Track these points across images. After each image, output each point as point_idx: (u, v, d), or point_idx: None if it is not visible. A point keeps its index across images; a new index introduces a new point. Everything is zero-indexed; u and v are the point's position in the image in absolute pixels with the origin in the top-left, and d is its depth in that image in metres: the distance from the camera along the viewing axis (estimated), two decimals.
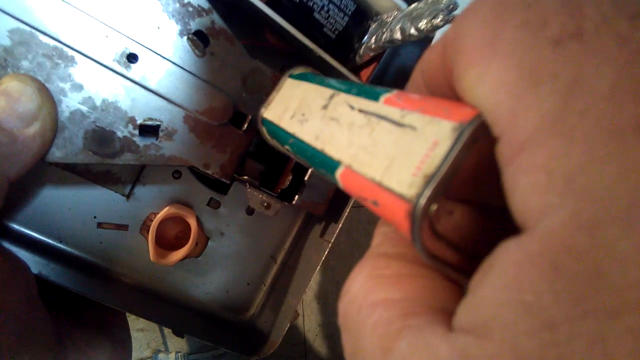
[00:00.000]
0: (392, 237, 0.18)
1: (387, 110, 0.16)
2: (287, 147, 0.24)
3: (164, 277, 0.37)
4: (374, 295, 0.15)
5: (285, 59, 0.38)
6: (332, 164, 0.18)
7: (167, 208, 0.35)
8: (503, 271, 0.11)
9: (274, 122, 0.26)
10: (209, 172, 0.32)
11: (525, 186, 0.11)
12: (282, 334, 0.35)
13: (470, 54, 0.13)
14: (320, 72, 0.28)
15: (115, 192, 0.34)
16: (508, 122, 0.11)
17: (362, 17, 0.33)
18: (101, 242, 0.35)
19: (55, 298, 0.31)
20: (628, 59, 0.10)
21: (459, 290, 0.15)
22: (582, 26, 0.11)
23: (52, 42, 0.27)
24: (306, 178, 0.34)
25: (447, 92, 0.16)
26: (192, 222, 0.36)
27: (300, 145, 0.22)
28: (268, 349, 0.35)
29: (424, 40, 0.32)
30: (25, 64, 0.27)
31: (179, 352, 0.51)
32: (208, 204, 0.37)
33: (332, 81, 0.23)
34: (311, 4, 0.32)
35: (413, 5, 0.30)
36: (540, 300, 0.10)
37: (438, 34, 0.32)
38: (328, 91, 0.22)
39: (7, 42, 0.27)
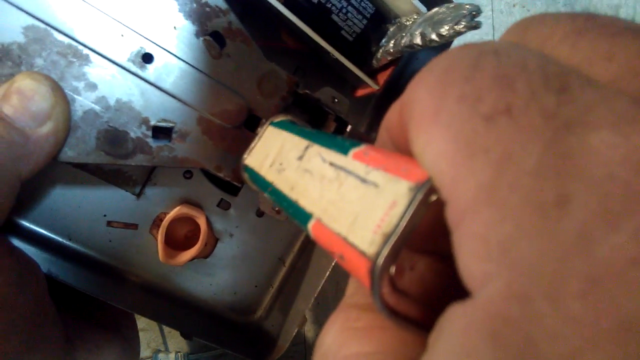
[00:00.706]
0: (364, 288, 0.18)
1: (354, 165, 0.17)
2: (266, 194, 0.24)
3: (173, 277, 0.37)
4: (345, 349, 0.15)
5: (301, 61, 0.37)
6: (304, 216, 0.19)
7: (177, 208, 0.35)
8: (451, 337, 0.11)
9: (255, 170, 0.26)
10: (221, 174, 0.32)
11: (467, 252, 0.11)
12: (290, 338, 0.35)
13: (418, 121, 0.13)
14: (300, 121, 0.29)
15: (126, 191, 0.34)
16: (450, 190, 0.12)
17: (380, 20, 0.33)
18: (110, 241, 0.34)
19: (65, 297, 0.31)
20: (553, 135, 0.11)
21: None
22: (511, 102, 0.11)
23: (66, 40, 0.27)
24: None
25: (409, 150, 0.16)
26: (202, 223, 0.36)
27: (278, 194, 0.22)
28: (276, 354, 0.35)
29: (444, 45, 0.31)
30: (39, 61, 0.27)
31: (179, 352, 0.51)
32: (218, 205, 0.37)
33: (309, 132, 0.23)
34: (329, 5, 0.32)
35: (434, 10, 0.30)
36: None
37: (456, 42, 0.31)
38: (304, 142, 0.22)
39: (21, 39, 0.26)
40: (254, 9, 0.35)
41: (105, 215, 0.34)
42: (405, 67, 0.38)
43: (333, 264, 0.34)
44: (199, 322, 0.37)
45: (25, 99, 0.25)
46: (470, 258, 0.11)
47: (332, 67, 0.35)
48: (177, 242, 0.37)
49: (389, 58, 0.32)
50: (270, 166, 0.25)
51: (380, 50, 0.32)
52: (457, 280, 0.17)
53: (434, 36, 0.27)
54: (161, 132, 0.30)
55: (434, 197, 0.13)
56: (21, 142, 0.25)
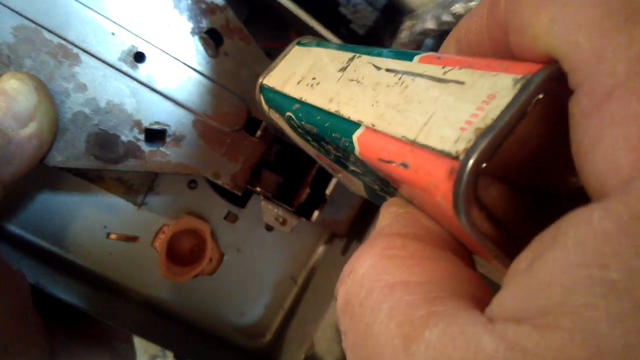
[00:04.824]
0: (405, 217, 0.15)
1: (425, 67, 0.15)
2: (288, 114, 0.22)
3: (174, 295, 0.34)
4: (389, 276, 0.13)
5: None
6: (348, 127, 0.17)
7: (180, 220, 0.33)
8: (578, 244, 0.09)
9: (276, 89, 0.24)
10: (219, 181, 0.29)
11: (612, 140, 0.09)
12: None
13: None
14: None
15: (127, 200, 0.32)
16: (592, 67, 0.10)
17: (394, 12, 0.30)
18: (110, 254, 0.33)
19: (53, 306, 0.29)
20: None
21: (482, 278, 0.13)
22: None
23: (56, 40, 0.26)
24: (328, 192, 0.31)
25: (502, 51, 0.14)
26: (207, 237, 0.34)
27: (308, 110, 0.20)
28: None
29: None
30: (28, 62, 0.26)
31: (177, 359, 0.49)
32: (225, 218, 0.35)
33: (352, 45, 0.21)
34: None
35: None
36: (633, 279, 0.08)
37: None
38: (347, 54, 0.20)
39: (11, 39, 0.25)
40: (262, 10, 0.33)
41: (105, 227, 0.33)
42: None
43: None
44: (201, 344, 0.34)
45: (8, 99, 0.24)
46: (617, 145, 0.09)
47: None
48: (180, 256, 0.34)
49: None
50: (298, 83, 0.22)
51: (394, 43, 0.30)
52: (530, 212, 0.14)
53: (446, 17, 0.24)
54: (154, 136, 0.28)
55: (553, 88, 0.11)
56: (1, 143, 0.24)
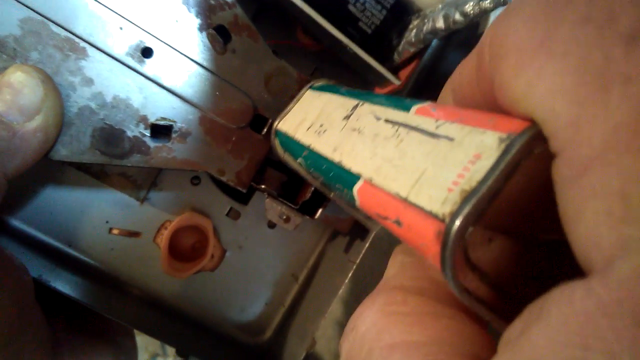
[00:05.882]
0: (411, 268, 0.15)
1: (419, 120, 0.15)
2: (300, 160, 0.22)
3: (176, 290, 0.34)
4: (389, 336, 0.12)
5: (318, 61, 0.35)
6: (350, 178, 0.16)
7: (183, 216, 0.33)
8: (562, 321, 0.09)
9: (289, 134, 0.24)
10: (224, 178, 0.29)
11: (593, 215, 0.09)
12: None
13: (517, 57, 0.11)
14: (344, 84, 0.26)
15: (130, 196, 0.32)
16: (570, 136, 0.09)
17: (402, 12, 0.30)
18: (112, 249, 0.33)
19: (55, 301, 0.29)
20: None
21: (488, 336, 0.13)
22: None
23: (63, 33, 0.26)
24: None
25: (492, 104, 0.14)
26: (209, 233, 0.34)
27: (315, 158, 0.20)
28: None
29: (468, 28, 0.28)
30: (34, 55, 0.25)
31: (177, 356, 0.49)
32: (227, 214, 0.35)
33: (358, 92, 0.21)
34: None
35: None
36: None
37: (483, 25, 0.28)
38: (352, 101, 0.20)
39: (17, 31, 0.25)
40: (269, 7, 0.33)
41: (107, 222, 0.32)
42: (432, 68, 0.35)
43: (346, 281, 0.31)
44: (202, 340, 0.34)
45: (14, 92, 0.24)
46: (598, 221, 0.09)
47: (350, 65, 0.32)
48: (181, 252, 0.34)
49: (412, 50, 0.29)
50: (307, 129, 0.23)
51: (402, 42, 0.30)
52: (535, 269, 0.14)
53: (457, 16, 0.24)
54: (160, 132, 0.28)
55: (537, 150, 0.11)
56: (7, 137, 0.24)
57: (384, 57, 0.31)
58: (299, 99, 0.27)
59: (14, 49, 0.25)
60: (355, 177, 0.16)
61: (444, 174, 0.12)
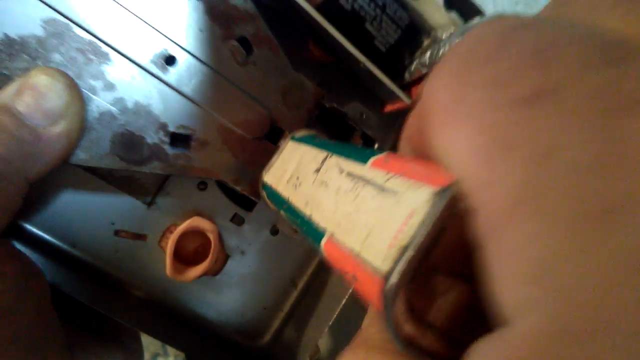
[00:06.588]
0: (379, 320, 0.15)
1: (373, 173, 0.15)
2: (282, 212, 0.22)
3: (178, 294, 0.35)
4: None
5: (326, 74, 0.36)
6: (317, 234, 0.17)
7: (189, 221, 0.33)
8: None
9: (272, 187, 0.25)
10: (239, 188, 0.30)
11: (501, 273, 0.09)
12: None
13: (438, 117, 0.12)
14: (323, 135, 0.27)
15: (137, 199, 0.32)
16: (482, 194, 0.10)
17: (415, 32, 0.31)
18: (117, 251, 0.33)
19: (66, 304, 0.29)
20: (607, 120, 0.08)
21: None
22: (555, 80, 0.09)
23: (87, 37, 0.26)
24: None
25: (431, 155, 0.14)
26: (214, 238, 0.34)
27: (292, 212, 0.21)
28: None
29: None
30: (57, 57, 0.25)
31: (178, 356, 0.49)
32: (232, 220, 0.35)
33: (328, 142, 0.22)
34: (363, 13, 0.30)
35: (474, 21, 0.28)
36: None
37: None
38: (322, 154, 0.21)
39: (40, 32, 0.25)
40: (284, 16, 0.33)
41: (113, 224, 0.32)
42: None
43: (350, 291, 0.32)
44: (202, 342, 0.35)
45: (38, 95, 0.24)
46: (505, 280, 0.09)
47: (360, 80, 0.33)
48: (186, 256, 0.35)
49: (424, 71, 0.30)
50: (287, 182, 0.23)
51: (415, 63, 0.31)
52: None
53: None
54: (179, 140, 0.28)
55: (461, 205, 0.11)
56: (31, 140, 0.23)
57: (396, 75, 0.32)
58: (281, 151, 0.27)
59: (36, 49, 0.25)
60: (321, 233, 0.16)
61: (387, 230, 0.12)
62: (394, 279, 0.11)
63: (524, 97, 0.09)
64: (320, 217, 0.17)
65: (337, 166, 0.18)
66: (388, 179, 0.14)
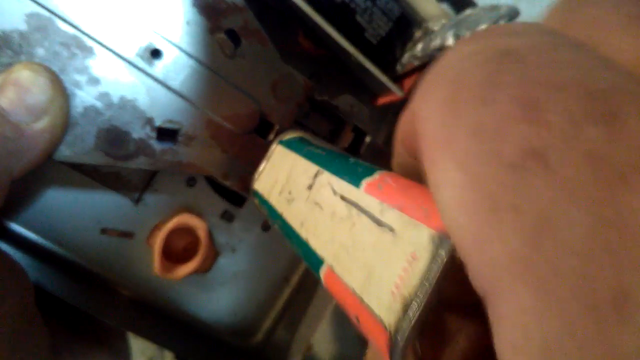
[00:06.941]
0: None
1: (368, 201, 0.15)
2: (276, 225, 0.22)
3: (167, 292, 0.34)
4: None
5: (317, 66, 0.35)
6: (316, 260, 0.16)
7: (177, 218, 0.33)
8: None
9: (264, 196, 0.24)
10: (227, 183, 0.29)
11: (502, 336, 0.09)
12: None
13: (430, 146, 0.11)
14: (311, 135, 0.26)
15: (124, 196, 0.32)
16: (473, 252, 0.09)
17: (406, 24, 0.31)
18: (104, 249, 0.32)
19: (51, 304, 0.29)
20: (604, 193, 0.08)
21: None
22: (544, 143, 0.08)
23: (71, 30, 0.25)
24: None
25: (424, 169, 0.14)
26: (203, 235, 0.34)
27: (287, 229, 0.20)
28: None
29: None
30: (40, 51, 0.24)
31: None
32: (221, 217, 0.35)
33: (318, 154, 0.21)
34: (353, 5, 0.30)
35: (467, 12, 0.28)
36: None
37: None
38: (313, 168, 0.20)
39: (23, 26, 0.24)
40: (270, 9, 0.33)
41: (99, 222, 0.32)
42: None
43: None
44: (193, 342, 0.34)
45: (21, 91, 0.23)
46: (505, 344, 0.08)
47: (351, 73, 0.33)
48: (174, 254, 0.34)
49: (416, 63, 0.30)
50: (279, 194, 0.23)
51: (406, 55, 0.30)
52: None
53: (469, 35, 0.25)
54: (166, 134, 0.28)
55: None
56: (14, 137, 0.23)
57: (387, 68, 0.32)
58: (270, 157, 0.27)
59: (20, 44, 0.24)
60: (320, 261, 0.16)
61: (388, 274, 0.12)
62: (401, 338, 0.11)
63: (513, 159, 0.09)
64: (317, 243, 0.17)
65: (330, 186, 0.18)
66: (383, 211, 0.14)
